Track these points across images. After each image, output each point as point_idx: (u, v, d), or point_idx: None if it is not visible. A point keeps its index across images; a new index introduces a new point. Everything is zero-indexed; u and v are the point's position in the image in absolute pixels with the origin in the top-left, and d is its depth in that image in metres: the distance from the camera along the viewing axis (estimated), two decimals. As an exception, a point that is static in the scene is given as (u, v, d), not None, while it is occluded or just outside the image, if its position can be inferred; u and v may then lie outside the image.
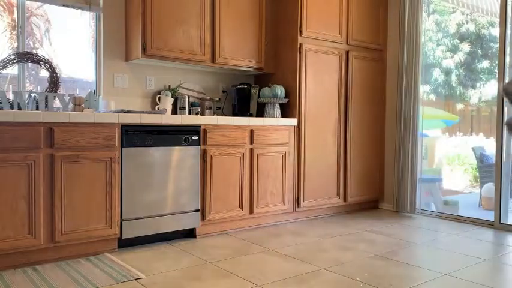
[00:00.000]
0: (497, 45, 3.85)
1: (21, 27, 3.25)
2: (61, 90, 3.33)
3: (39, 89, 3.37)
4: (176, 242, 3.22)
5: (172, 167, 3.17)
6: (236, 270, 2.62)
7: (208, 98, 3.99)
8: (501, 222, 3.78)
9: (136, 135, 3.00)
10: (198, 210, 3.32)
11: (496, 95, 3.83)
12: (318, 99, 4.05)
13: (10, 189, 2.54)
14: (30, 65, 3.30)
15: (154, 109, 3.66)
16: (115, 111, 3.11)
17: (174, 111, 3.73)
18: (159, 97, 3.63)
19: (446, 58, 4.74)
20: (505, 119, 3.77)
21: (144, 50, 3.35)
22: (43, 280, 2.40)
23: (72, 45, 3.55)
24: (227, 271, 2.60)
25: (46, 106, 2.98)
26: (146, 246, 3.08)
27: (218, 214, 3.44)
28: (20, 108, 2.88)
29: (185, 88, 3.91)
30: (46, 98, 2.99)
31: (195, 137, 3.28)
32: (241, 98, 4.05)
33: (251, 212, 3.64)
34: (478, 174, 5.20)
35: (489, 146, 4.56)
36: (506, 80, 3.73)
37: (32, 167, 2.60)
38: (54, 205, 2.68)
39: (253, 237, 3.39)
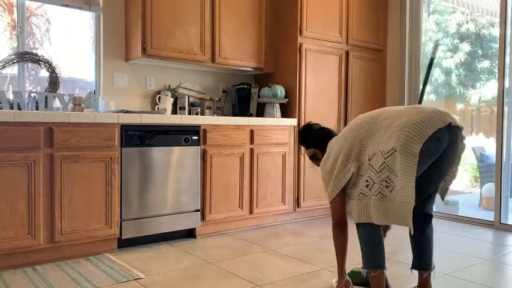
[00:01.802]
0: (497, 45, 3.85)
1: (21, 27, 3.25)
2: (61, 90, 3.33)
3: (39, 89, 3.37)
4: (176, 242, 3.22)
5: (172, 167, 3.17)
6: (236, 270, 2.61)
7: (208, 98, 3.99)
8: (501, 222, 3.78)
9: (136, 135, 3.00)
10: (198, 210, 3.32)
11: (496, 95, 3.82)
12: (318, 99, 4.05)
13: (10, 189, 2.54)
14: (30, 65, 3.30)
15: (154, 109, 3.66)
16: (115, 111, 3.10)
17: (174, 111, 3.73)
18: (159, 97, 3.62)
19: (446, 58, 4.74)
20: (505, 119, 3.77)
21: (144, 50, 3.35)
22: (43, 280, 2.39)
23: (72, 45, 3.55)
24: (227, 271, 2.60)
25: (46, 106, 2.98)
26: (146, 246, 3.08)
27: (218, 214, 3.43)
28: (19, 108, 2.88)
29: (185, 88, 3.91)
30: (46, 98, 2.99)
31: (195, 137, 3.28)
32: (241, 98, 4.05)
33: (251, 212, 3.64)
34: (478, 174, 5.19)
35: (489, 146, 4.55)
36: (507, 81, 3.73)
37: (31, 167, 2.60)
38: (54, 205, 2.68)
39: (253, 237, 3.38)
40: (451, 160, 1.99)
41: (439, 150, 1.88)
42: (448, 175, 2.07)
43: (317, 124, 2.37)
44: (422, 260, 2.12)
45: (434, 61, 2.34)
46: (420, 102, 2.39)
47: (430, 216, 2.14)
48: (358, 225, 1.97)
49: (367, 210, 1.89)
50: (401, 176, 1.78)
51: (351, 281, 2.22)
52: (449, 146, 1.91)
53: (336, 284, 2.23)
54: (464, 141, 2.02)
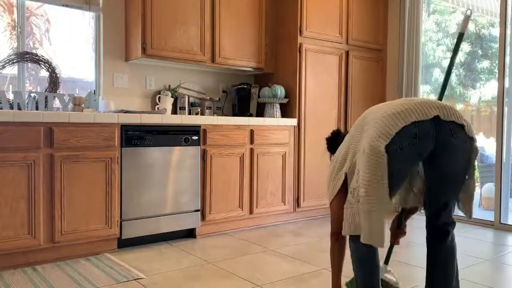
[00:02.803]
0: (497, 45, 3.85)
1: (21, 27, 3.25)
2: (61, 90, 3.33)
3: (39, 89, 3.37)
4: (176, 242, 3.22)
5: (172, 167, 3.17)
6: (236, 270, 2.61)
7: (208, 98, 3.99)
8: (501, 222, 3.78)
9: (136, 135, 3.00)
10: (198, 210, 3.32)
11: (496, 95, 3.82)
12: (318, 99, 4.05)
13: (10, 189, 2.54)
14: (30, 65, 3.30)
15: (154, 109, 3.66)
16: (115, 111, 3.10)
17: (174, 111, 3.73)
18: (159, 97, 3.62)
19: (446, 58, 4.74)
20: (505, 119, 3.77)
21: (144, 49, 3.35)
22: (43, 280, 2.39)
23: (72, 45, 3.55)
24: (227, 271, 2.60)
25: (46, 106, 2.98)
26: (146, 246, 3.08)
27: (218, 214, 3.43)
28: (19, 108, 2.88)
29: (185, 88, 3.91)
30: (46, 98, 2.99)
31: (195, 137, 3.27)
32: (241, 98, 4.05)
33: (251, 212, 3.64)
34: (478, 174, 5.19)
35: (489, 146, 4.55)
36: (507, 81, 3.73)
37: (31, 167, 2.60)
38: (54, 205, 2.68)
39: (253, 237, 3.38)
40: (455, 163, 1.68)
41: (421, 150, 1.62)
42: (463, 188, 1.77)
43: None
44: None
45: (464, 36, 1.92)
46: (442, 92, 2.06)
47: (444, 231, 1.80)
48: (350, 239, 1.77)
49: (353, 220, 1.66)
50: (364, 177, 1.57)
51: None
52: (444, 145, 1.62)
53: None
54: (475, 144, 1.70)
